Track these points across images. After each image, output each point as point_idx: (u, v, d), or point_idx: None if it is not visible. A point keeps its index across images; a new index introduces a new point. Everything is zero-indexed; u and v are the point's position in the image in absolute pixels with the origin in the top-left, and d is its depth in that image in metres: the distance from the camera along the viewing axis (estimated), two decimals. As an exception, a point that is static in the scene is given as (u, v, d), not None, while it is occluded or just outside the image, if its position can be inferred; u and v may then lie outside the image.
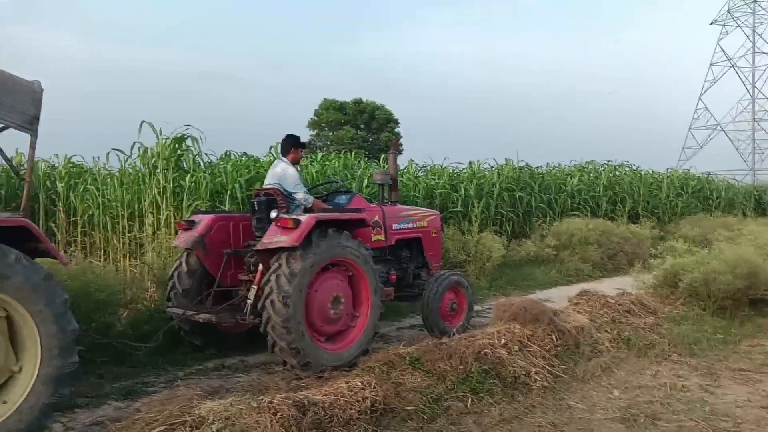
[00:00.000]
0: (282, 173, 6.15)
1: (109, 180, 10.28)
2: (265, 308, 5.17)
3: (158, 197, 8.88)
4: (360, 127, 43.35)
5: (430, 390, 4.87)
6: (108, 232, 10.06)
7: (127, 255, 9.91)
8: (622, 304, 7.41)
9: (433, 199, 11.64)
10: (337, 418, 4.18)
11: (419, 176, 12.24)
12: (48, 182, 11.57)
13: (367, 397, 4.43)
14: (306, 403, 4.15)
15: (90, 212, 10.29)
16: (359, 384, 4.62)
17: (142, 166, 9.39)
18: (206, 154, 9.37)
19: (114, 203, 9.80)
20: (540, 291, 10.69)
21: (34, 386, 3.63)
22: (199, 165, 8.88)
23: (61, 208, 10.89)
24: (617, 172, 17.51)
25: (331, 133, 42.70)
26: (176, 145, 8.72)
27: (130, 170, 9.74)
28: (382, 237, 6.81)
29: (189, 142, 8.89)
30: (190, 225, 6.14)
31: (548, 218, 13.74)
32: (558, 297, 9.10)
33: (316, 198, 6.66)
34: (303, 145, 6.37)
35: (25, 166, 3.78)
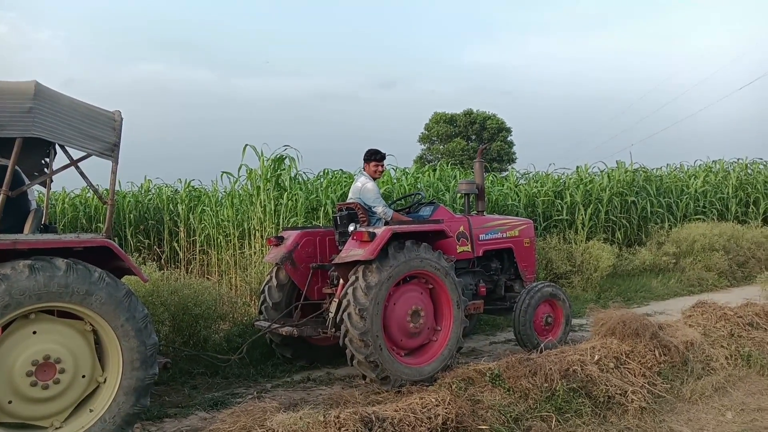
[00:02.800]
0: (361, 187, 6.20)
1: (223, 201, 10.99)
2: (343, 321, 5.19)
3: (261, 215, 9.33)
4: (471, 138, 42.99)
5: (509, 408, 4.62)
6: (221, 249, 10.72)
7: (238, 271, 10.47)
8: (743, 317, 6.62)
9: (535, 207, 11.21)
10: (406, 435, 4.08)
11: (520, 184, 11.84)
12: (171, 206, 12.64)
13: (438, 414, 4.28)
14: (374, 418, 4.09)
15: (206, 232, 11.03)
16: (433, 400, 4.48)
17: (250, 186, 9.94)
18: (303, 172, 9.73)
19: (225, 222, 10.42)
20: (655, 303, 9.89)
21: (116, 396, 3.89)
22: (296, 183, 9.20)
23: (182, 229, 11.83)
24: (749, 171, 15.82)
25: (441, 146, 42.73)
26: (276, 166, 9.12)
27: (240, 191, 10.36)
28: (468, 248, 6.64)
29: (288, 161, 9.28)
30: (279, 241, 6.34)
31: (667, 224, 12.68)
32: (675, 309, 8.35)
33: (398, 211, 6.64)
34: (380, 158, 6.36)
35: (109, 190, 4.05)
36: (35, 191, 4.64)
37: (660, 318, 7.50)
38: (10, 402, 3.59)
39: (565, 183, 12.02)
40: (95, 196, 11.59)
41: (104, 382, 3.94)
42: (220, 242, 10.66)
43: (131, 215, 12.35)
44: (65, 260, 3.70)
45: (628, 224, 12.21)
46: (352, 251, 5.32)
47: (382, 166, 6.47)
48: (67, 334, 3.82)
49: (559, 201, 11.43)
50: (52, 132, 3.72)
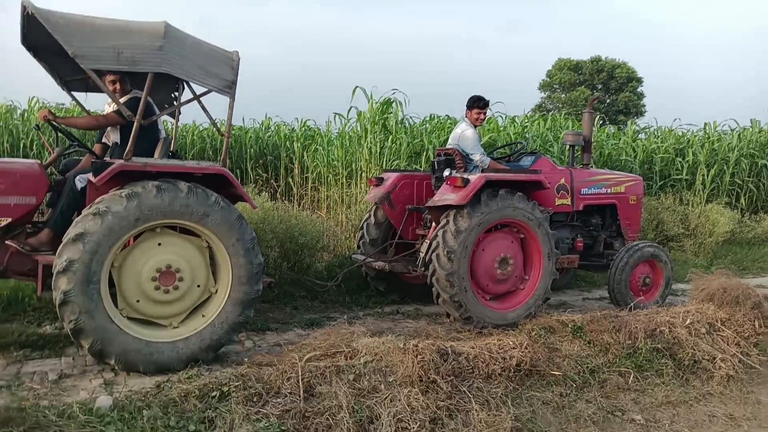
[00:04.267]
0: (461, 134, 6.27)
1: (335, 141, 11.47)
2: (432, 261, 5.44)
3: (367, 157, 9.68)
4: (596, 87, 40.66)
5: (587, 360, 4.71)
6: (330, 187, 11.28)
7: (344, 208, 11.02)
8: None
9: (652, 164, 10.65)
10: (479, 370, 4.30)
11: (638, 139, 11.25)
12: (287, 143, 13.36)
13: (513, 356, 4.46)
14: (450, 351, 4.35)
15: (318, 170, 11.62)
16: (510, 343, 4.64)
17: (359, 128, 10.30)
18: (410, 117, 9.88)
19: (335, 162, 10.91)
20: (774, 275, 9.23)
21: (225, 306, 4.42)
22: (401, 127, 9.40)
23: (296, 165, 12.52)
24: None
25: (563, 95, 40.82)
26: (383, 109, 9.36)
27: (350, 132, 10.75)
28: (567, 201, 6.57)
29: (396, 105, 9.48)
30: (380, 182, 6.64)
31: (802, 191, 11.59)
32: (796, 284, 7.80)
33: (498, 159, 6.67)
34: (482, 105, 6.35)
35: (226, 124, 4.48)
36: (163, 121, 5.17)
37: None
38: (138, 301, 4.21)
39: (689, 140, 11.26)
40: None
41: (216, 292, 4.47)
42: (330, 180, 11.19)
43: (252, 150, 13.23)
44: (187, 184, 4.20)
45: (755, 189, 11.30)
46: (445, 195, 5.50)
47: (485, 114, 6.47)
48: (187, 248, 4.35)
49: (680, 159, 10.77)
50: (179, 69, 4.16)
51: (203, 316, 4.43)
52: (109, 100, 4.95)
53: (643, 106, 39.77)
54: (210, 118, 4.61)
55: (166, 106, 5.48)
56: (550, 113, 11.49)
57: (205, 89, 4.40)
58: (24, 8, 3.83)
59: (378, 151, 9.27)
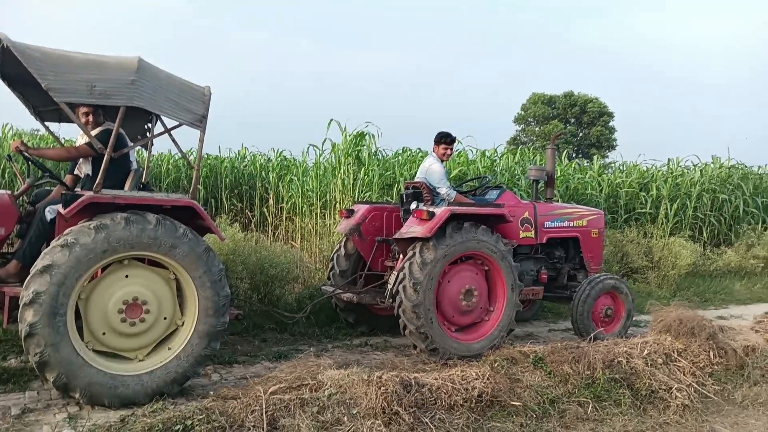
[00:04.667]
0: (428, 168, 6.45)
1: (310, 171, 11.60)
2: (398, 293, 5.55)
3: (341, 188, 9.83)
4: (569, 121, 41.69)
5: (547, 390, 4.81)
6: (305, 217, 11.37)
7: (317, 239, 11.09)
8: (819, 328, 6.36)
9: (617, 198, 10.98)
10: (441, 402, 4.39)
11: (605, 173, 11.60)
12: (263, 173, 13.45)
13: (475, 387, 4.56)
14: (413, 383, 4.44)
15: (293, 200, 11.71)
16: (473, 374, 4.75)
17: (333, 159, 10.46)
18: (383, 149, 10.09)
19: (310, 193, 11.03)
20: (735, 307, 9.52)
21: (191, 338, 4.45)
22: (374, 159, 9.59)
23: (271, 195, 12.60)
24: None
25: (537, 128, 41.73)
26: (357, 141, 9.54)
27: (324, 164, 10.90)
28: (531, 234, 6.76)
29: (369, 138, 9.67)
30: (350, 214, 6.77)
31: (761, 226, 12.00)
32: (754, 315, 8.05)
33: (464, 193, 6.85)
34: (449, 141, 6.54)
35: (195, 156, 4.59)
36: (137, 152, 5.24)
37: (736, 322, 7.29)
38: (104, 333, 4.24)
39: (653, 175, 11.65)
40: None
41: (182, 324, 4.52)
42: (305, 211, 11.29)
43: (227, 179, 13.31)
44: (156, 216, 4.27)
45: (717, 223, 11.70)
46: (411, 228, 5.64)
47: (451, 149, 6.66)
48: (154, 280, 4.41)
49: (644, 194, 11.12)
50: (151, 102, 4.27)
51: (169, 348, 4.46)
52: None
53: (614, 140, 40.84)
54: (180, 151, 4.71)
55: (139, 137, 5.56)
56: (519, 148, 11.80)
57: (176, 122, 4.51)
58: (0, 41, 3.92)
59: (351, 182, 9.43)
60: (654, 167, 12.21)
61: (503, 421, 4.43)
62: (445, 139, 6.52)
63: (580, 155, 38.28)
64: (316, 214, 10.82)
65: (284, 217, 12.23)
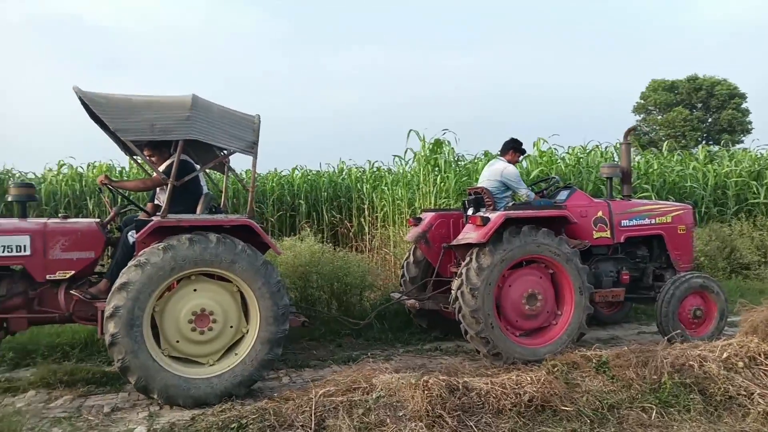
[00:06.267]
0: (503, 170, 6.49)
1: (400, 180, 11.90)
2: (458, 298, 5.62)
3: (422, 195, 10.00)
4: (695, 106, 38.71)
5: (608, 396, 4.66)
6: (398, 225, 11.66)
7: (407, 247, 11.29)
8: None
9: (726, 189, 10.11)
10: (489, 406, 4.43)
11: (709, 165, 10.73)
12: (359, 185, 13.97)
13: (526, 392, 4.54)
14: (460, 387, 4.51)
15: (385, 210, 12.07)
16: (528, 379, 4.72)
17: (419, 168, 10.68)
18: (462, 154, 10.13)
19: (399, 201, 11.31)
20: None
21: (255, 344, 4.84)
22: (451, 165, 9.67)
23: (366, 206, 13.06)
24: None
25: (660, 117, 39.16)
26: (434, 149, 9.67)
27: (410, 172, 11.15)
28: (607, 234, 6.52)
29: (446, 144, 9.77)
30: (417, 222, 6.93)
31: None
32: None
33: (537, 193, 6.77)
34: (522, 152, 6.73)
35: (250, 179, 4.99)
36: (203, 179, 5.74)
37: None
38: (177, 341, 4.74)
39: (767, 162, 10.61)
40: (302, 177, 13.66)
41: (247, 332, 4.93)
42: (396, 219, 11.58)
43: (325, 193, 13.97)
44: (217, 235, 4.72)
45: None
46: (467, 234, 5.70)
47: (519, 156, 6.73)
48: (220, 293, 4.86)
49: (755, 183, 10.16)
50: (206, 135, 4.74)
51: (236, 354, 4.89)
52: None
53: (749, 123, 37.35)
54: (236, 175, 5.16)
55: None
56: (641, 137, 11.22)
57: (230, 150, 4.96)
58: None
59: (431, 189, 9.57)
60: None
61: (554, 426, 4.36)
62: (518, 147, 6.65)
63: (710, 142, 35.41)
64: (406, 222, 11.05)
65: (379, 226, 12.60)
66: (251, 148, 4.93)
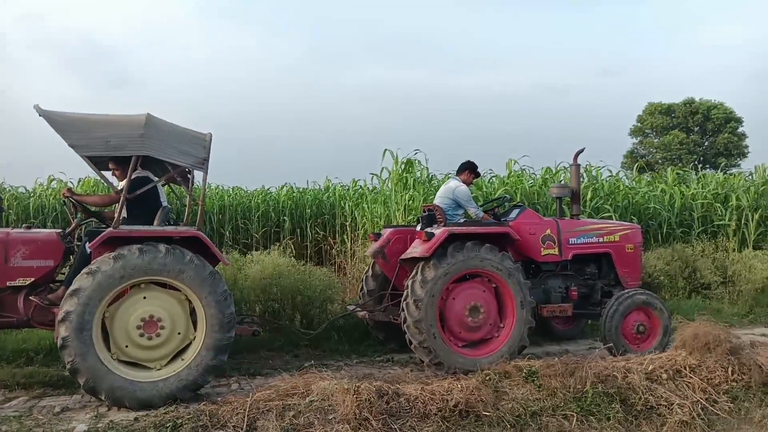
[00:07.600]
0: (455, 188, 6.84)
1: (378, 197, 12.22)
2: (403, 309, 5.88)
3: (395, 213, 10.30)
4: (692, 130, 39.03)
5: (532, 404, 4.90)
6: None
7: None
8: None
9: (692, 211, 10.35)
10: (416, 410, 4.66)
11: (675, 187, 10.98)
12: (342, 202, 14.29)
13: (453, 398, 4.78)
14: (390, 392, 4.76)
15: (365, 226, 12.36)
16: (459, 386, 4.97)
17: (392, 186, 11.01)
18: (433, 174, 10.47)
19: (376, 218, 11.61)
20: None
21: (201, 351, 5.10)
22: (424, 183, 9.98)
23: (348, 223, 13.37)
24: None
25: (656, 140, 39.51)
26: (406, 168, 9.99)
27: (386, 190, 11.47)
28: (555, 251, 6.78)
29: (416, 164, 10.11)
30: (377, 237, 7.22)
31: None
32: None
33: (487, 212, 7.06)
34: (477, 174, 7.16)
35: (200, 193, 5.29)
36: (164, 194, 6.03)
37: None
38: (126, 346, 5.00)
39: (731, 185, 10.86)
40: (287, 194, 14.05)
41: (194, 339, 5.19)
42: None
43: (309, 210, 14.29)
44: (166, 245, 5.01)
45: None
46: (413, 249, 5.99)
47: (473, 177, 7.09)
48: (168, 301, 5.12)
49: (718, 205, 10.41)
50: (159, 151, 5.05)
51: (182, 359, 5.14)
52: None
53: (746, 146, 37.65)
54: (188, 190, 5.46)
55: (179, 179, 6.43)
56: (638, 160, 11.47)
57: (182, 165, 5.27)
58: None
59: (402, 207, 9.87)
60: (733, 176, 11.37)
61: (475, 430, 4.59)
62: (474, 169, 7.11)
63: (707, 166, 35.64)
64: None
65: (360, 243, 12.88)
66: (202, 164, 5.24)
